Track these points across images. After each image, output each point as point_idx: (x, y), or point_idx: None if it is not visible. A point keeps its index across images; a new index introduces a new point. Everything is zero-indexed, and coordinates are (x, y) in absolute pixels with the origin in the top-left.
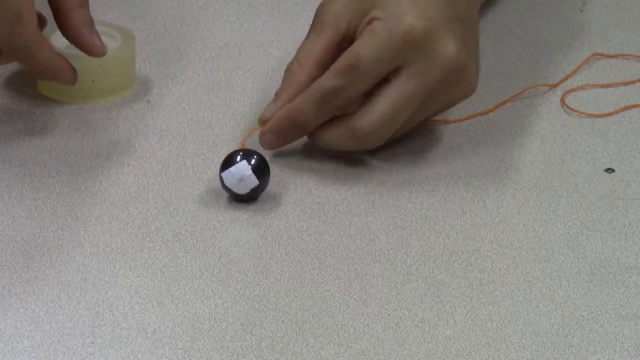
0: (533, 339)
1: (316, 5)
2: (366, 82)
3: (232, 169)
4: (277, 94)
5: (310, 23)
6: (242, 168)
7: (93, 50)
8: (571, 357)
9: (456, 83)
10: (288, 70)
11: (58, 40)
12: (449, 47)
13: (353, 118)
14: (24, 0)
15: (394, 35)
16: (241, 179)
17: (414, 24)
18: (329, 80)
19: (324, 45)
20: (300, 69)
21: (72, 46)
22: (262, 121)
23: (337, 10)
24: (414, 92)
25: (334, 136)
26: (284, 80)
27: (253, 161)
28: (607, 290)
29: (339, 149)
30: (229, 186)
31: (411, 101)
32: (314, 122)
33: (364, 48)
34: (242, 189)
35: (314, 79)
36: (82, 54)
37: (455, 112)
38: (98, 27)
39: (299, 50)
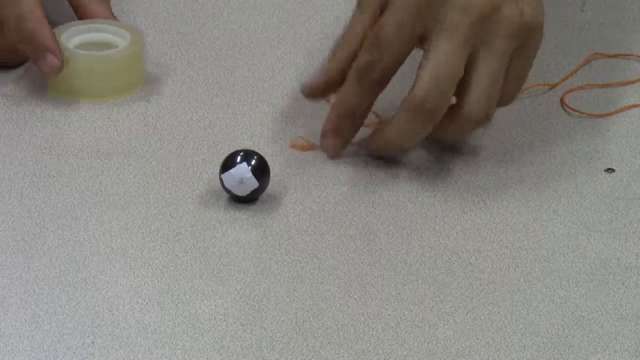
0: (533, 339)
1: (316, 5)
2: (395, 50)
3: (232, 170)
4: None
5: (310, 23)
6: (242, 170)
7: None
8: (571, 357)
9: (499, 18)
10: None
11: (69, 42)
12: None
13: (408, 95)
14: None
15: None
16: (241, 181)
17: None
18: (361, 56)
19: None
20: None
21: (80, 45)
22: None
23: None
24: (452, 43)
25: (406, 127)
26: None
27: (253, 162)
28: (607, 290)
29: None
30: (229, 188)
31: (453, 52)
32: (362, 104)
33: (385, 18)
34: (242, 191)
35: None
36: (88, 52)
37: None
38: (107, 27)
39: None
